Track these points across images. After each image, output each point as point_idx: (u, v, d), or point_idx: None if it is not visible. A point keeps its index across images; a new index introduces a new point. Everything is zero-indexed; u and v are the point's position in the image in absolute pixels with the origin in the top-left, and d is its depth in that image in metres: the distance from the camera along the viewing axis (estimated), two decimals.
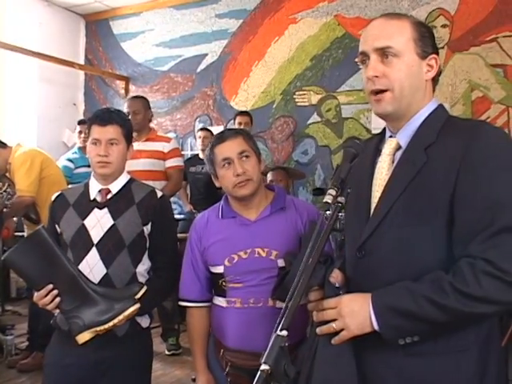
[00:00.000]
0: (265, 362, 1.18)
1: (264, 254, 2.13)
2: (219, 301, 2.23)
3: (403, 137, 1.59)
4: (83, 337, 2.15)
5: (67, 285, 2.17)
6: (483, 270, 1.34)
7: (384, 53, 1.53)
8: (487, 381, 1.47)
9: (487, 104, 5.77)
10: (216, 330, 2.26)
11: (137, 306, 2.17)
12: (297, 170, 6.16)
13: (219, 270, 2.20)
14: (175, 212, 6.92)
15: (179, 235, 5.27)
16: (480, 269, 1.34)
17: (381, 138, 1.70)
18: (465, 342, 1.45)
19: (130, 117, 4.77)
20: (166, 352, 4.83)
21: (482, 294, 1.33)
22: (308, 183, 6.59)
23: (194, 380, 3.85)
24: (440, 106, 1.61)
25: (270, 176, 5.09)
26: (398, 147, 1.60)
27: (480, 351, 1.46)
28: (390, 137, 1.63)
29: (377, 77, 1.53)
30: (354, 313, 1.44)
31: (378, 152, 1.65)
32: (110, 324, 2.14)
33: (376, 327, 1.42)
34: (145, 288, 2.23)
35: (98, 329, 2.15)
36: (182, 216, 5.99)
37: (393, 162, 1.59)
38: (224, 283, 2.20)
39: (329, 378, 1.48)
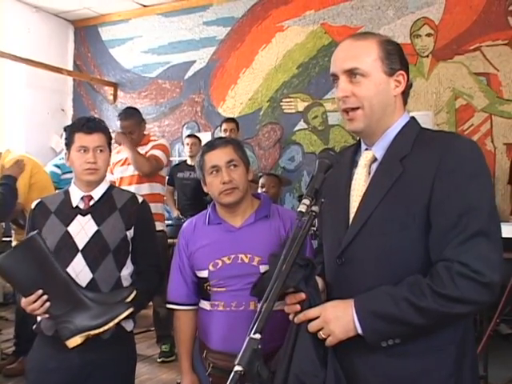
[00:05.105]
0: (238, 364, 1.22)
1: (247, 260, 2.18)
2: (204, 304, 2.28)
3: (378, 149, 1.64)
4: (75, 341, 2.19)
5: (59, 290, 2.21)
6: (459, 271, 1.40)
7: (352, 73, 1.59)
8: (464, 378, 1.54)
9: (471, 112, 5.87)
10: (201, 332, 2.31)
11: (130, 309, 2.24)
12: (284, 176, 6.20)
13: (204, 274, 2.24)
14: None
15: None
16: (456, 271, 1.41)
17: (356, 149, 1.76)
18: (443, 342, 1.52)
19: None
20: (157, 359, 4.77)
21: (458, 295, 1.40)
22: (294, 189, 6.65)
23: None
24: (412, 119, 1.68)
25: (262, 180, 5.10)
26: (374, 159, 1.65)
27: (457, 350, 1.53)
28: (366, 149, 1.69)
29: (347, 97, 1.60)
30: (338, 318, 1.50)
31: (354, 163, 1.71)
32: (105, 327, 2.20)
33: (360, 331, 1.48)
34: (135, 292, 2.29)
35: (92, 333, 2.20)
36: (169, 222, 6.00)
37: (369, 174, 1.64)
38: (209, 287, 2.25)
39: (304, 371, 1.53)
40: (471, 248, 1.42)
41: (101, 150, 2.43)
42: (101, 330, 2.20)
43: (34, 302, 2.19)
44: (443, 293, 1.41)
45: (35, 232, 2.25)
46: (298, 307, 1.57)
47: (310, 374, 1.52)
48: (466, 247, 1.43)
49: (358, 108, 1.60)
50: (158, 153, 4.72)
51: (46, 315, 2.25)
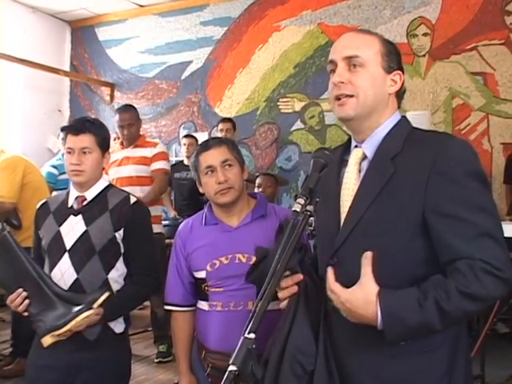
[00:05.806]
0: (233, 364, 1.23)
1: (244, 260, 2.18)
2: (202, 305, 2.28)
3: (369, 147, 1.63)
4: (46, 340, 2.20)
5: (33, 289, 2.23)
6: (483, 268, 1.39)
7: (351, 61, 1.58)
8: (456, 377, 1.53)
9: (467, 111, 5.88)
10: (199, 332, 2.31)
11: (90, 311, 2.20)
12: (280, 176, 6.21)
13: (202, 274, 2.24)
14: None
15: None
16: (479, 267, 1.39)
17: (345, 148, 1.74)
18: (435, 342, 1.50)
19: (124, 130, 4.74)
20: (155, 360, 4.76)
21: (485, 293, 1.39)
22: (291, 189, 6.65)
23: None
24: (403, 118, 1.67)
25: (258, 180, 5.11)
26: (364, 157, 1.64)
27: (449, 350, 1.52)
28: (356, 147, 1.67)
29: (342, 83, 1.58)
30: (361, 310, 1.44)
31: (343, 162, 1.69)
32: (65, 329, 2.18)
33: (381, 328, 1.42)
34: (107, 294, 2.27)
35: (57, 333, 2.18)
36: (166, 222, 5.98)
37: (359, 172, 1.63)
38: (206, 288, 2.25)
39: (302, 351, 1.53)
40: (482, 246, 1.41)
41: (87, 152, 2.41)
42: (61, 330, 2.18)
43: (15, 299, 2.23)
44: (469, 292, 1.38)
45: (6, 231, 2.28)
46: (296, 288, 1.57)
47: (308, 354, 1.53)
48: (477, 245, 1.41)
49: (352, 96, 1.58)
50: (164, 164, 4.87)
51: (26, 313, 2.26)
